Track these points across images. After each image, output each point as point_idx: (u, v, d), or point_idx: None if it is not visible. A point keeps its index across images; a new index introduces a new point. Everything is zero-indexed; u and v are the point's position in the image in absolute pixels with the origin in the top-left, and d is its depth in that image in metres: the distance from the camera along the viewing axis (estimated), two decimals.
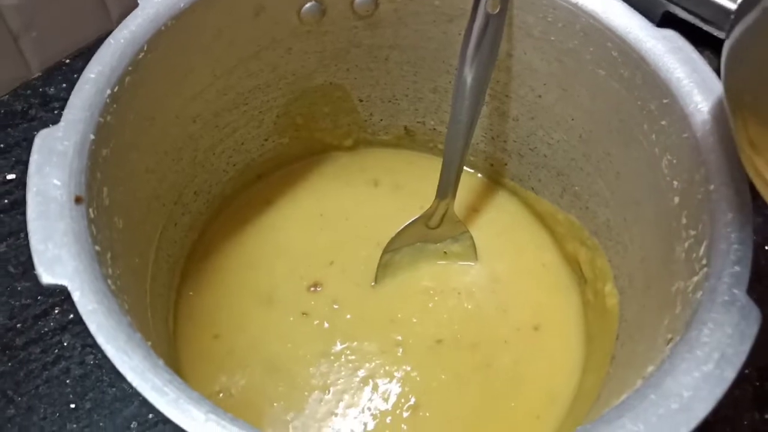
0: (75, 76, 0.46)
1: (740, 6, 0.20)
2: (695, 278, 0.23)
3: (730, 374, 0.20)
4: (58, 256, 0.21)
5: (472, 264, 0.38)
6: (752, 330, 0.21)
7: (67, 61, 0.47)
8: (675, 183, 0.27)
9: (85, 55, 0.48)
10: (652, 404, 0.20)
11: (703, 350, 0.21)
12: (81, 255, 0.21)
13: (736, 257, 0.23)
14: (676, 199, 0.27)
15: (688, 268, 0.24)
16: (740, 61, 0.21)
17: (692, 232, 0.25)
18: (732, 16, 0.26)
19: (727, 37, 0.21)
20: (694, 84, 0.27)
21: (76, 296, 0.20)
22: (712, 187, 0.25)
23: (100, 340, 0.20)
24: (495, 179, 0.41)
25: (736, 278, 0.22)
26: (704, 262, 0.23)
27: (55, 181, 0.22)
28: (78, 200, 0.22)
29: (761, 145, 0.20)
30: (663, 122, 0.28)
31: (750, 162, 0.21)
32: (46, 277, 0.21)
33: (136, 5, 0.48)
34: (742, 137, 0.21)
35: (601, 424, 0.19)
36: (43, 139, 0.23)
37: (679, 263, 0.25)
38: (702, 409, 0.20)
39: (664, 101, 0.27)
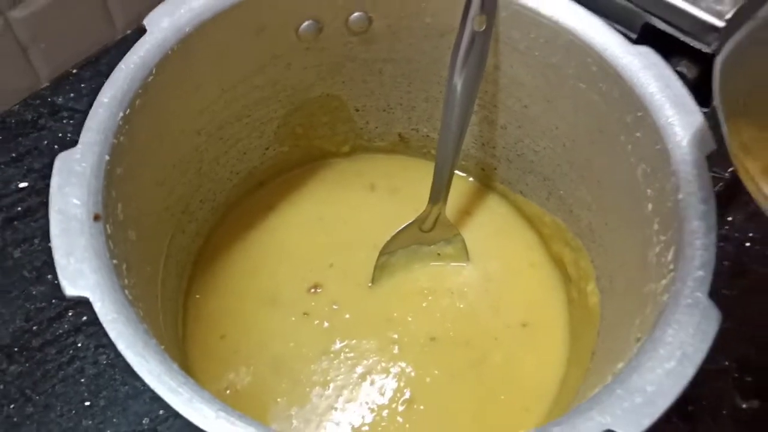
0: (82, 85, 0.49)
1: (733, 18, 0.22)
2: (663, 281, 0.25)
3: (690, 371, 0.22)
4: (80, 270, 0.23)
5: (464, 265, 0.40)
6: (712, 330, 0.23)
7: (75, 70, 0.49)
8: (648, 191, 0.29)
9: (92, 64, 0.49)
10: (618, 398, 0.22)
11: (666, 349, 0.23)
12: (100, 269, 0.23)
13: (700, 262, 0.25)
14: (650, 206, 0.29)
15: (658, 271, 0.26)
16: (736, 68, 0.22)
17: (662, 238, 0.27)
18: (722, 27, 0.27)
19: (721, 47, 0.23)
20: (666, 98, 0.29)
21: (97, 307, 0.22)
22: (680, 196, 0.27)
23: (121, 346, 0.22)
24: (486, 183, 0.43)
25: (699, 282, 0.24)
26: (671, 266, 0.25)
27: (75, 201, 0.24)
28: (96, 218, 0.24)
29: (754, 149, 0.21)
30: (638, 134, 0.30)
31: (742, 165, 0.22)
32: (70, 290, 0.23)
33: (140, 16, 0.50)
34: (734, 142, 0.22)
35: (573, 416, 0.21)
36: (62, 162, 0.25)
37: (651, 267, 0.27)
38: (663, 403, 0.22)
39: (639, 114, 0.29)
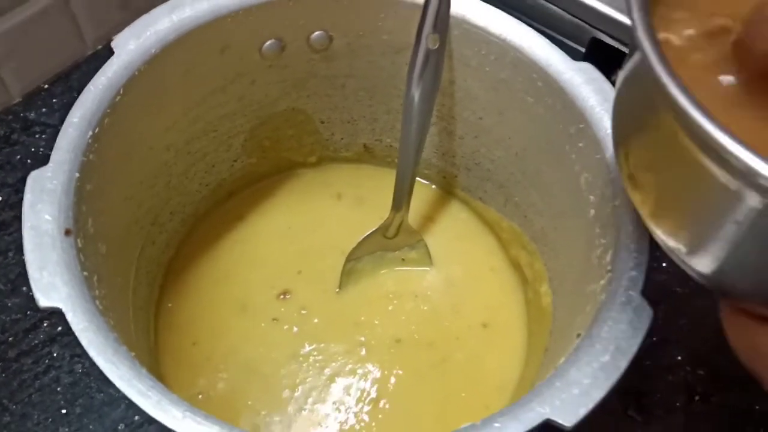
0: (54, 100, 0.50)
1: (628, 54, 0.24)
2: (602, 281, 0.27)
3: (623, 363, 0.24)
4: (52, 283, 0.24)
5: (428, 269, 0.42)
6: (644, 326, 0.25)
7: (46, 86, 0.49)
8: (591, 197, 0.31)
9: (63, 80, 0.50)
10: (557, 390, 0.23)
11: (602, 344, 0.25)
12: (72, 281, 0.24)
13: (634, 263, 0.27)
14: (592, 212, 0.31)
15: (598, 272, 0.28)
16: (621, 102, 0.24)
17: (603, 241, 0.29)
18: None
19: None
20: (605, 111, 0.31)
21: (69, 317, 0.24)
22: (617, 202, 0.29)
23: (92, 353, 0.23)
24: (447, 190, 0.44)
25: (633, 281, 0.26)
26: (609, 267, 0.27)
27: (47, 217, 0.25)
28: (67, 233, 0.25)
29: (638, 181, 0.21)
30: (580, 144, 0.32)
31: (630, 195, 0.22)
32: (43, 302, 0.24)
33: (110, 32, 0.51)
34: (623, 171, 0.23)
35: (515, 408, 0.23)
36: (34, 180, 0.26)
37: (593, 268, 0.29)
38: (598, 394, 0.24)
39: (581, 126, 0.31)
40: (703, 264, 0.19)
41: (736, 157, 0.16)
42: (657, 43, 0.18)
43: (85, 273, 0.25)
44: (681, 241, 0.20)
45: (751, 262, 0.18)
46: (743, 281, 0.18)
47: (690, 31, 0.20)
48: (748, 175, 0.16)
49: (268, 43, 0.35)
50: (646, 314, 0.25)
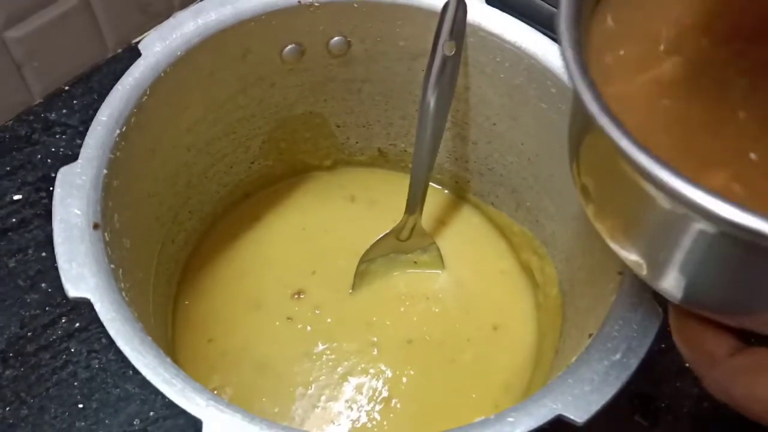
0: (74, 101, 0.51)
1: None
2: (612, 284, 0.28)
3: (634, 362, 0.25)
4: (81, 273, 0.25)
5: (439, 272, 0.42)
6: (654, 326, 0.26)
7: (67, 87, 0.50)
8: None
9: (83, 81, 0.50)
10: (569, 387, 0.24)
11: (613, 343, 0.25)
12: (100, 273, 0.25)
13: None
14: None
15: (609, 275, 0.29)
16: (571, 115, 0.23)
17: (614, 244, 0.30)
18: None
19: None
20: None
21: (97, 307, 0.25)
22: None
23: (120, 342, 0.24)
24: (460, 195, 0.45)
25: (643, 283, 0.27)
26: (619, 270, 0.28)
27: (76, 211, 0.26)
28: (95, 226, 0.26)
29: (590, 193, 0.21)
30: None
31: (584, 208, 0.22)
32: (72, 292, 0.25)
33: (129, 36, 0.52)
34: (577, 184, 0.22)
35: (528, 404, 0.24)
36: (64, 175, 0.27)
37: (604, 271, 0.30)
38: (610, 391, 0.24)
39: None
40: (652, 278, 0.19)
41: (656, 178, 0.15)
42: (583, 65, 0.17)
43: (112, 266, 0.26)
44: (631, 256, 0.20)
45: (692, 278, 0.18)
46: (693, 294, 0.18)
47: (622, 51, 0.20)
48: (667, 192, 0.15)
49: (289, 47, 0.36)
50: (656, 315, 0.26)
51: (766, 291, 0.16)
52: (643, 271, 0.19)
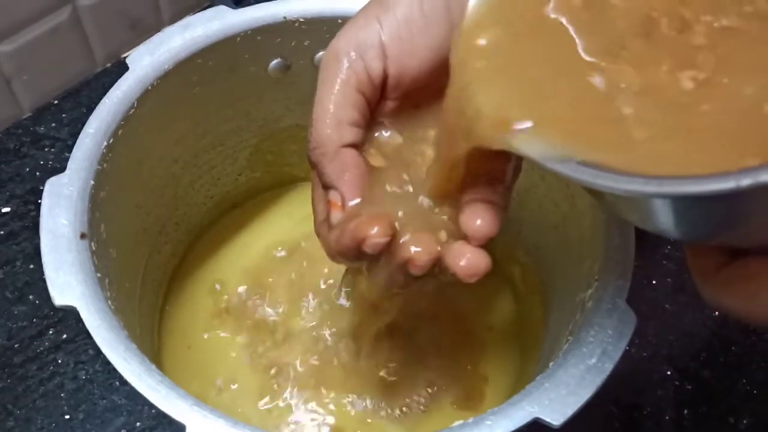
0: (63, 115, 0.52)
1: None
2: (590, 290, 0.29)
3: (609, 366, 0.25)
4: (68, 282, 0.25)
5: None
6: (628, 331, 0.26)
7: (56, 101, 0.50)
8: (583, 211, 0.32)
9: (72, 95, 0.51)
10: (545, 390, 0.25)
11: (588, 347, 0.26)
12: (86, 281, 0.26)
13: (619, 273, 0.28)
14: (583, 225, 0.32)
15: (587, 282, 0.30)
16: None
17: (591, 252, 0.31)
18: None
19: None
20: None
21: (83, 314, 0.25)
22: (605, 216, 0.30)
23: (105, 349, 0.24)
24: None
25: (618, 289, 0.27)
26: (596, 277, 0.29)
27: (63, 221, 0.27)
28: (83, 236, 0.27)
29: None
30: None
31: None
32: (59, 299, 0.25)
33: (118, 51, 0.52)
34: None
35: (506, 407, 0.24)
36: (51, 185, 0.28)
37: (582, 278, 0.31)
38: (585, 394, 0.25)
39: None
40: (647, 228, 0.21)
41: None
42: None
43: (98, 275, 0.27)
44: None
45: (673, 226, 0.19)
46: (681, 235, 0.20)
47: None
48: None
49: (275, 61, 0.37)
50: (631, 320, 0.27)
51: (722, 222, 0.18)
52: (642, 226, 0.21)
